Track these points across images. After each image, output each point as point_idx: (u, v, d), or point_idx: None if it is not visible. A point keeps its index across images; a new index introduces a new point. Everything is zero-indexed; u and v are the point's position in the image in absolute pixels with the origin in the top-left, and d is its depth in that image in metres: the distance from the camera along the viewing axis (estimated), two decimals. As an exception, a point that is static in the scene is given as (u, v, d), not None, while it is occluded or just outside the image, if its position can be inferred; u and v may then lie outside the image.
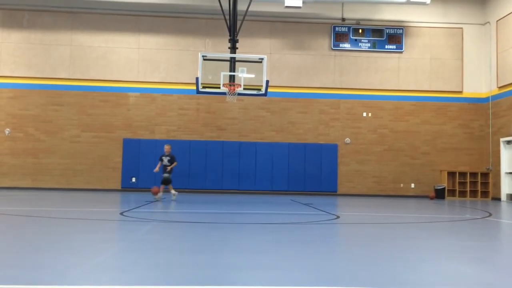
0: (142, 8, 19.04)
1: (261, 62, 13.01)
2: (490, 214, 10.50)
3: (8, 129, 18.49)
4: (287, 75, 19.24)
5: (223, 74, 12.86)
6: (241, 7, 14.14)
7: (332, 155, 19.11)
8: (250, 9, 14.32)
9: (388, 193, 19.08)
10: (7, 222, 7.08)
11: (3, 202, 11.37)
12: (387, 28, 19.57)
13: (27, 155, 18.48)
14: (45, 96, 18.69)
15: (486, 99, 19.46)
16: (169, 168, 12.53)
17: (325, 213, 9.76)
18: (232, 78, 12.93)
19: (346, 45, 19.49)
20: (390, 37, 19.56)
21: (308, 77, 19.34)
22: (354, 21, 19.55)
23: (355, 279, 3.59)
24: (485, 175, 19.02)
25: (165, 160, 12.66)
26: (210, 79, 13.04)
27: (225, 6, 13.85)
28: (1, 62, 18.70)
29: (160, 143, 18.78)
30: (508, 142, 18.17)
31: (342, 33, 19.52)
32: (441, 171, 19.23)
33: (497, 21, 18.85)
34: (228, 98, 13.18)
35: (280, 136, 19.14)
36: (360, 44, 19.50)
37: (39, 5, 18.63)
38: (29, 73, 18.71)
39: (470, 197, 18.88)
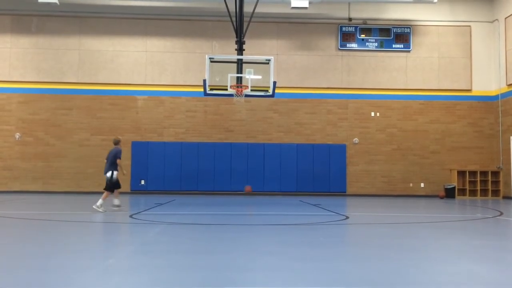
0: (149, 12, 19.13)
1: (268, 63, 13.02)
2: (501, 213, 10.41)
3: (18, 134, 18.64)
4: (294, 76, 19.22)
5: (230, 76, 12.89)
6: (248, 8, 14.15)
7: (341, 155, 19.05)
8: (256, 10, 14.33)
9: (397, 193, 18.98)
10: (18, 226, 7.14)
11: (15, 206, 11.47)
12: (394, 27, 19.48)
13: (38, 159, 18.62)
14: (55, 100, 18.83)
15: (495, 97, 19.29)
16: None
17: (334, 213, 9.74)
18: (239, 80, 12.96)
19: (353, 45, 19.43)
20: (397, 36, 19.47)
21: (316, 78, 19.30)
22: (361, 21, 19.49)
23: (366, 279, 3.58)
24: (495, 173, 18.85)
25: None
26: (217, 81, 13.08)
27: (232, 8, 13.88)
28: (11, 67, 18.87)
29: (168, 145, 18.87)
30: (519, 140, 18.00)
31: (349, 33, 19.46)
32: (450, 170, 19.09)
33: (505, 18, 18.69)
34: (236, 99, 13.21)
35: (288, 137, 19.11)
36: (367, 43, 19.43)
37: (47, 10, 18.77)
38: (39, 77, 18.86)
39: (480, 196, 18.71)
